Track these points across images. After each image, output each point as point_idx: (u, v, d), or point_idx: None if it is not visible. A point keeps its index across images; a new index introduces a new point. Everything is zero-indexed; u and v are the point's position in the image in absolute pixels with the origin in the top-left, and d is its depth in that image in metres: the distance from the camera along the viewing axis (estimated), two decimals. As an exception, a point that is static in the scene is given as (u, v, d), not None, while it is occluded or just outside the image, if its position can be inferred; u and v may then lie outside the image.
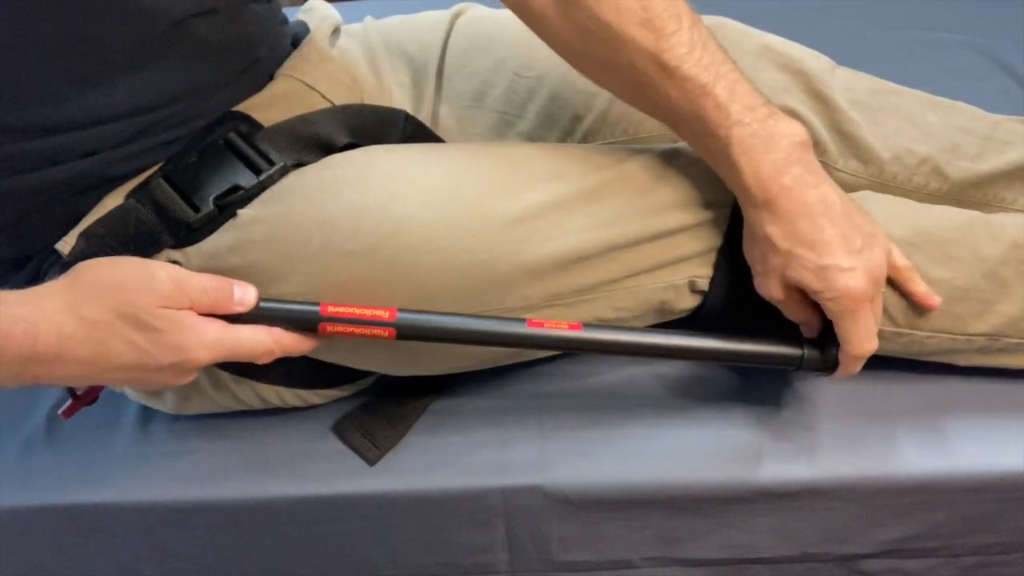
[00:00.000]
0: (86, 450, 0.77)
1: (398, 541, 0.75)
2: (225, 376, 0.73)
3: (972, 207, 0.81)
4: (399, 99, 0.86)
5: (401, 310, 0.65)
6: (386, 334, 0.65)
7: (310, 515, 0.73)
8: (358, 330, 0.65)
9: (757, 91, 0.66)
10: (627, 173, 0.70)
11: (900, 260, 0.69)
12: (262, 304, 0.64)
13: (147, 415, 0.78)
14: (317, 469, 0.74)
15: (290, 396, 0.76)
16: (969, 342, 0.73)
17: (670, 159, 0.71)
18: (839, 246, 0.63)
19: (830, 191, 0.65)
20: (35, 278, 0.70)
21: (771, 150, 0.64)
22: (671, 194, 0.69)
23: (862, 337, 0.65)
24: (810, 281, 0.64)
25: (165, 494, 0.73)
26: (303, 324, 0.64)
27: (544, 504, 0.72)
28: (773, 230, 0.64)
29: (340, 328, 0.64)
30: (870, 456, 0.72)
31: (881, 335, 0.71)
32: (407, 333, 0.65)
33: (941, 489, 0.71)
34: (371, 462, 0.74)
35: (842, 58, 0.85)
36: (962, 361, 0.75)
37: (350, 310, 0.64)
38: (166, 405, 0.76)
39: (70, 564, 0.76)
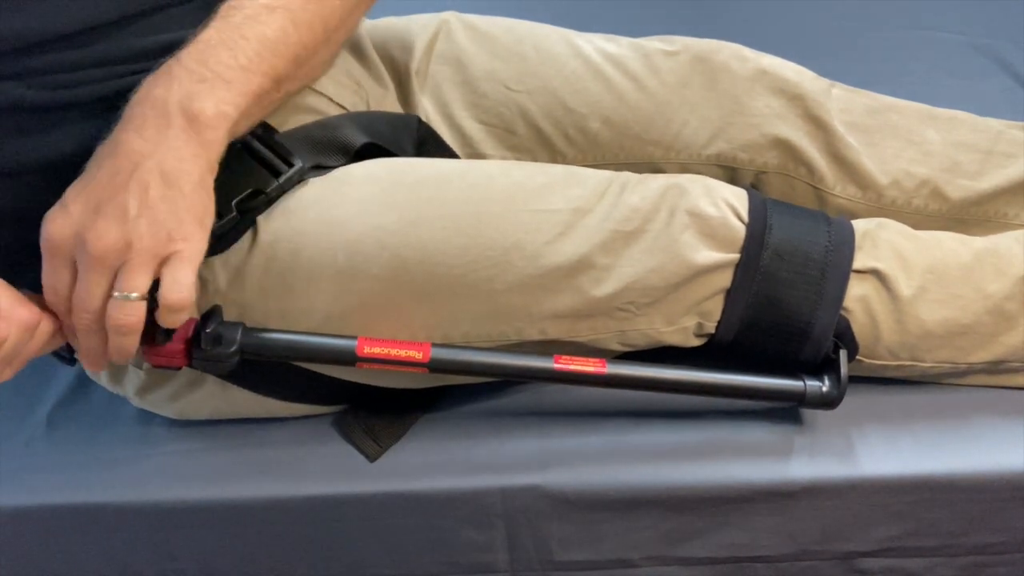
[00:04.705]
0: (86, 450, 0.77)
1: (398, 541, 0.75)
2: (209, 382, 0.73)
3: (973, 224, 0.81)
4: (389, 102, 0.86)
5: (434, 346, 0.67)
6: (419, 370, 0.68)
7: (310, 515, 0.73)
8: (392, 367, 0.67)
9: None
10: (637, 206, 0.70)
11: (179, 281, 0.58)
12: (300, 336, 0.67)
13: (147, 415, 0.78)
14: (317, 469, 0.74)
15: (280, 407, 0.76)
16: (970, 367, 0.74)
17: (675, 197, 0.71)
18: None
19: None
20: None
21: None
22: (684, 238, 0.69)
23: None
24: None
25: (165, 494, 0.73)
26: (339, 361, 0.67)
27: (544, 504, 0.72)
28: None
29: (375, 366, 0.67)
30: (870, 456, 0.72)
31: (883, 369, 0.73)
32: (439, 369, 0.68)
33: (941, 489, 0.71)
34: (371, 458, 0.74)
35: (842, 58, 0.86)
36: (963, 382, 0.76)
37: (385, 350, 0.67)
38: (169, 411, 0.76)
39: (70, 564, 0.76)
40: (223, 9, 0.63)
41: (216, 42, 0.61)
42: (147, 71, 0.62)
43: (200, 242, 0.59)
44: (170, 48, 0.62)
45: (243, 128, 0.64)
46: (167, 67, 0.61)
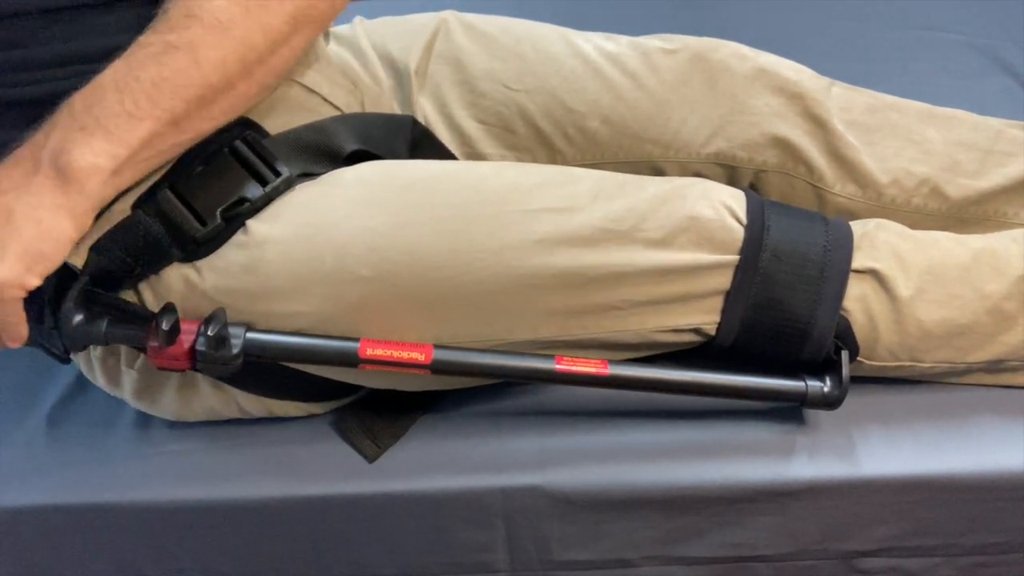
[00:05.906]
0: (86, 450, 0.77)
1: (398, 541, 0.75)
2: (205, 383, 0.73)
3: (973, 223, 0.81)
4: (387, 102, 0.86)
5: (436, 347, 0.67)
6: (421, 372, 0.68)
7: (310, 515, 0.73)
8: (394, 369, 0.67)
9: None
10: (632, 206, 0.69)
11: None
12: (304, 338, 0.66)
13: (147, 416, 0.78)
14: (317, 469, 0.74)
15: (277, 406, 0.76)
16: (970, 367, 0.74)
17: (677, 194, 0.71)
18: None
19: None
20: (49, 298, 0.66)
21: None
22: (681, 239, 0.69)
23: None
24: None
25: (165, 494, 0.73)
26: (342, 363, 0.67)
27: (544, 504, 0.72)
28: None
29: (377, 367, 0.67)
30: (871, 456, 0.72)
31: (883, 370, 0.74)
32: (441, 370, 0.68)
33: (941, 489, 0.71)
34: (370, 459, 0.74)
35: (842, 58, 0.86)
36: (963, 381, 0.76)
37: (388, 352, 0.67)
38: (166, 412, 0.76)
39: (70, 564, 0.76)
40: (131, 47, 0.61)
41: (108, 85, 0.60)
42: (83, 75, 0.61)
43: (10, 288, 0.58)
44: (107, 54, 0.61)
45: (133, 175, 0.62)
46: (58, 111, 0.60)
